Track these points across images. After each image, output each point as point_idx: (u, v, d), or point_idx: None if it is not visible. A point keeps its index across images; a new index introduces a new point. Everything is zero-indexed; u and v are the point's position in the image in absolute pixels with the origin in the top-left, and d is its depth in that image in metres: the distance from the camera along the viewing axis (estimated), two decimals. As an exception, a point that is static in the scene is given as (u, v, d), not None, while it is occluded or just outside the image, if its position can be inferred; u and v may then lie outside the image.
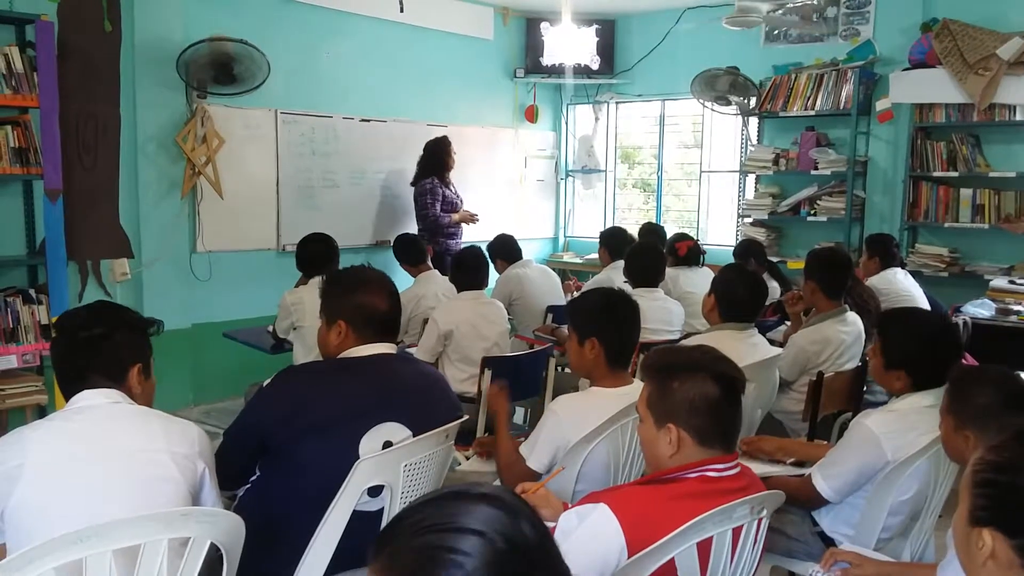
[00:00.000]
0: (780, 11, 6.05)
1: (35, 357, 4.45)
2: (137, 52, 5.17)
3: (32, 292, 4.51)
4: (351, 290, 2.34)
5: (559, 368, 4.50)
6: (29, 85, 4.30)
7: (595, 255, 6.45)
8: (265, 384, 2.24)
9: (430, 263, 5.30)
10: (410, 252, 5.22)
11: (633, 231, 6.24)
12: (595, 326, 2.62)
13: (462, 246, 6.31)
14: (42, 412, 4.48)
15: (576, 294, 5.65)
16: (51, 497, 1.76)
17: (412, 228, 6.57)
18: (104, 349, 1.95)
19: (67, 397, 1.95)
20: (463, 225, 6.63)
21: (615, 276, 4.98)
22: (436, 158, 6.48)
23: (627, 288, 4.31)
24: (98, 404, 1.90)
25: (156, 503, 1.80)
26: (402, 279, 5.26)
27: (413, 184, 6.56)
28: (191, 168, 5.53)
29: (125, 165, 4.88)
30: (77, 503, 1.76)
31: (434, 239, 6.28)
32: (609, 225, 7.58)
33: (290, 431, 2.13)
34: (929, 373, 2.54)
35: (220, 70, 5.38)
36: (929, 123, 6.09)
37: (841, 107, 6.38)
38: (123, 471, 1.83)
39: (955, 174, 6.02)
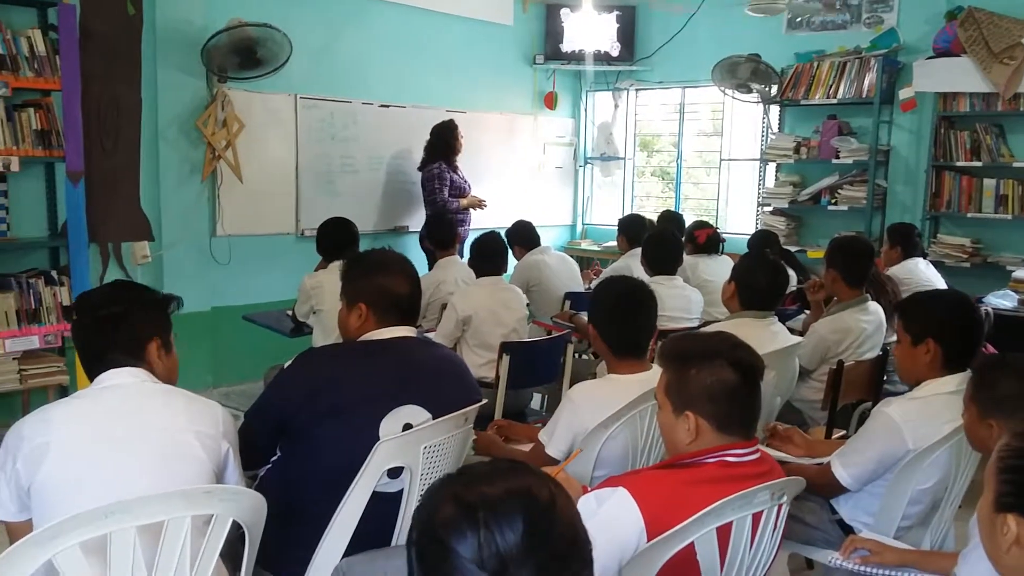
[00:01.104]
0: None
1: (57, 338, 4.49)
2: (158, 36, 5.20)
3: (54, 274, 4.55)
4: (373, 273, 2.34)
5: (577, 355, 4.50)
6: (51, 68, 4.32)
7: (613, 243, 6.44)
8: (286, 365, 2.25)
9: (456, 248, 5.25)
10: (444, 232, 5.14)
11: (652, 219, 6.22)
12: (597, 316, 2.68)
13: (470, 232, 6.31)
14: (63, 392, 4.52)
15: (595, 281, 5.67)
16: (76, 474, 1.77)
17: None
18: (121, 327, 1.96)
19: (91, 377, 1.96)
20: (471, 211, 6.59)
21: (633, 264, 4.97)
22: (443, 142, 6.39)
23: (645, 276, 4.33)
24: (124, 383, 1.91)
25: (180, 482, 1.81)
26: (421, 264, 5.28)
27: (420, 169, 6.51)
28: (211, 152, 5.55)
29: (146, 148, 4.90)
30: (102, 480, 1.77)
31: None
32: (627, 213, 7.55)
33: (310, 412, 2.13)
34: (956, 343, 2.52)
35: (244, 55, 5.39)
36: (953, 112, 6.04)
37: (864, 95, 6.33)
38: (148, 450, 1.84)
39: (978, 164, 5.97)
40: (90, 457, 1.79)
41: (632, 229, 5.59)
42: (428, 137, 6.48)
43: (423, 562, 1.12)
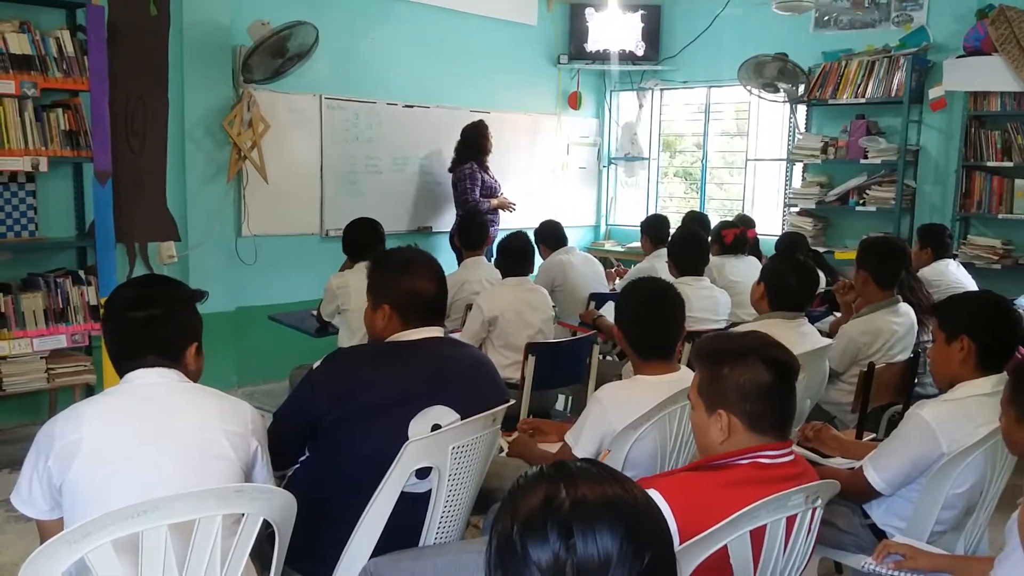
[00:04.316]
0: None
1: (84, 337, 4.51)
2: (185, 36, 5.22)
3: (81, 273, 4.58)
4: (397, 274, 2.32)
5: (602, 355, 4.47)
6: (80, 69, 4.35)
7: (637, 243, 6.39)
8: (316, 366, 2.23)
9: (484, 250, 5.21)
10: (474, 233, 5.08)
11: (676, 220, 6.18)
12: (624, 318, 2.68)
13: (499, 232, 6.30)
14: (90, 391, 4.55)
15: (619, 281, 5.64)
16: (107, 472, 1.77)
17: (454, 214, 6.56)
18: (163, 330, 1.93)
19: (120, 374, 1.95)
20: (500, 211, 6.62)
21: (658, 264, 4.94)
22: (473, 143, 6.43)
23: (670, 277, 4.30)
24: (153, 382, 1.91)
25: (210, 481, 1.80)
26: (451, 264, 5.25)
27: (451, 170, 6.53)
28: (237, 153, 5.58)
29: (172, 149, 4.90)
30: (132, 479, 1.77)
31: None
32: (650, 214, 7.50)
33: (340, 413, 2.12)
34: (991, 340, 2.48)
35: (280, 54, 5.40)
36: (984, 112, 5.96)
37: (893, 95, 6.26)
38: (177, 448, 1.84)
39: (1010, 164, 5.89)
40: (121, 455, 1.79)
41: (655, 230, 5.56)
42: (458, 138, 6.51)
43: (501, 562, 1.09)
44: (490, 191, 6.50)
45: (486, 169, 6.52)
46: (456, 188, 6.45)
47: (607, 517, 1.05)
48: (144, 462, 1.80)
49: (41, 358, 4.41)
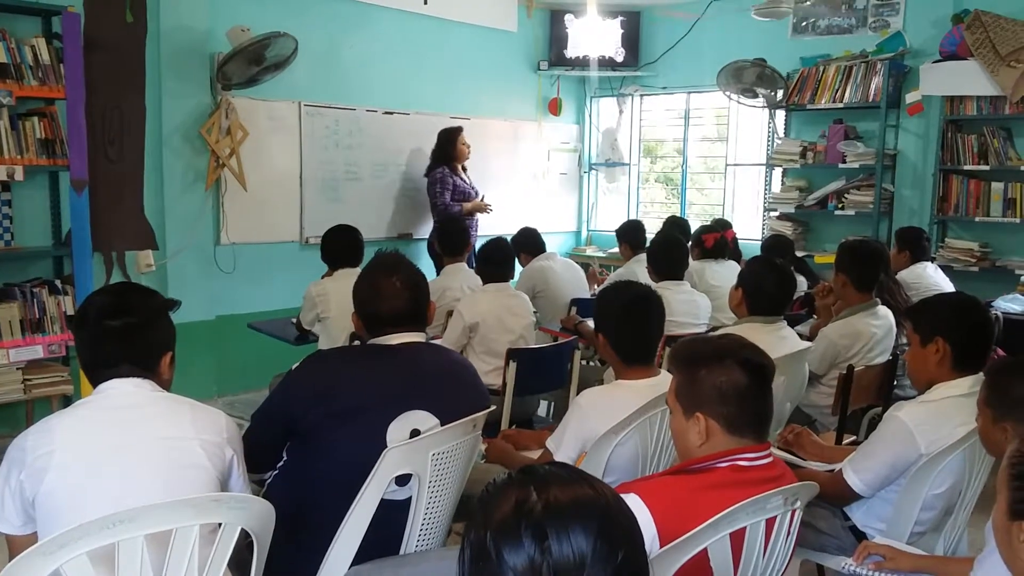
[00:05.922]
0: (808, 1, 5.97)
1: (61, 348, 4.48)
2: (162, 43, 5.19)
3: (58, 283, 4.54)
4: (363, 285, 2.32)
5: (584, 361, 4.47)
6: (55, 76, 4.32)
7: (617, 249, 6.42)
8: (294, 367, 2.23)
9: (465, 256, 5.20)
10: (455, 240, 5.04)
11: (657, 225, 6.20)
12: (605, 323, 2.67)
13: (477, 238, 6.30)
14: (67, 402, 4.50)
15: (598, 288, 5.64)
16: (80, 485, 1.75)
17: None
18: (140, 339, 1.92)
19: (94, 383, 1.92)
20: (478, 217, 6.61)
21: (638, 269, 4.95)
22: (445, 147, 6.46)
23: (650, 282, 4.30)
24: (127, 391, 1.89)
25: (185, 490, 1.79)
26: (429, 271, 5.24)
27: (426, 175, 6.56)
28: (215, 160, 5.54)
29: (150, 157, 4.88)
30: (106, 491, 1.75)
31: None
32: (624, 220, 7.50)
33: (317, 414, 2.11)
34: (965, 341, 2.50)
35: (257, 61, 5.38)
36: (960, 116, 6.01)
37: (870, 100, 6.31)
38: (152, 459, 1.82)
39: (986, 168, 5.94)
40: (94, 467, 1.77)
41: (631, 235, 5.60)
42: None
43: (476, 570, 1.09)
44: (463, 195, 6.48)
45: (459, 174, 6.51)
46: (428, 192, 6.49)
47: (580, 517, 1.06)
48: (118, 473, 1.78)
49: (17, 369, 4.37)
